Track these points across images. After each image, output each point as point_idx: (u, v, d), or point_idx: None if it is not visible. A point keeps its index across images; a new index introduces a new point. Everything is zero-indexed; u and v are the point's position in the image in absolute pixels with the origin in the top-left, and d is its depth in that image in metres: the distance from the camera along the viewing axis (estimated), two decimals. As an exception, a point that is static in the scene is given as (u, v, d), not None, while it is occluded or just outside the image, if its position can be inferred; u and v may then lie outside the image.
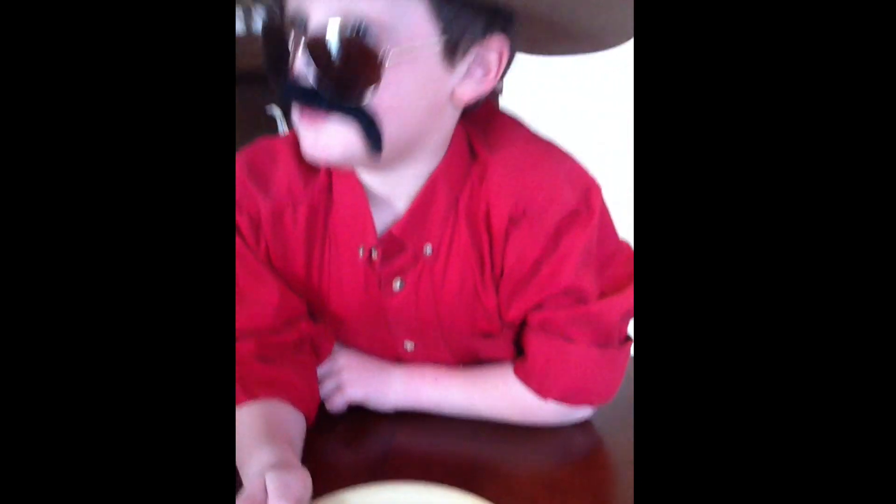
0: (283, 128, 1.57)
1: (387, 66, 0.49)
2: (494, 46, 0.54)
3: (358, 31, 0.48)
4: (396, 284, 0.62)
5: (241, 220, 0.61)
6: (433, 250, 0.60)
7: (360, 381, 0.67)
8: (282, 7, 0.53)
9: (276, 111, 1.58)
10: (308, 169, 0.60)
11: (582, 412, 0.66)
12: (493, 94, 1.01)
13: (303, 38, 0.50)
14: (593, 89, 1.33)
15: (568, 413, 0.65)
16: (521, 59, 0.59)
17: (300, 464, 0.54)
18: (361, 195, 0.60)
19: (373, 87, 0.50)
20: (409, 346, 0.67)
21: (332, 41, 0.49)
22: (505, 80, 0.99)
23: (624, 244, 0.64)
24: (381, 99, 0.50)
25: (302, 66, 0.50)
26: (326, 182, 0.61)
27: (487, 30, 0.53)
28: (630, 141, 0.38)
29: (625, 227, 0.61)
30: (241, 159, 0.62)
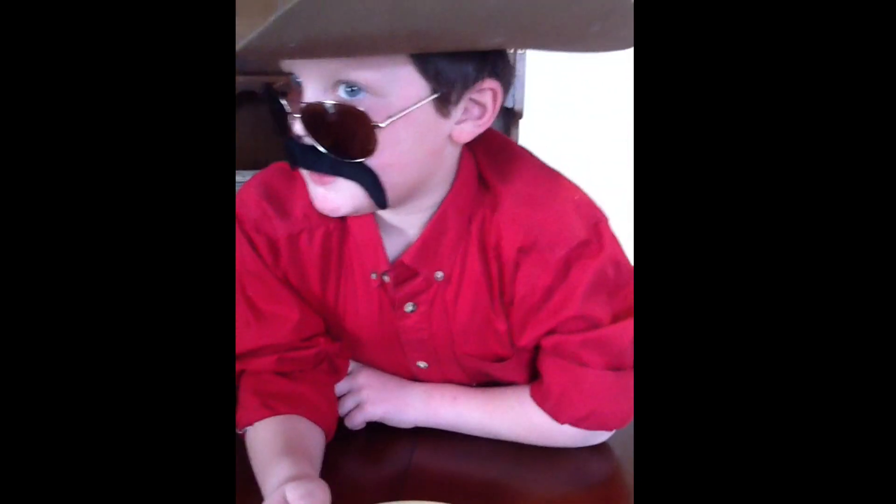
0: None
1: (382, 127, 0.50)
2: (487, 88, 0.54)
3: (351, 97, 0.50)
4: (409, 307, 0.63)
5: (260, 240, 0.62)
6: (445, 276, 0.61)
7: (380, 400, 0.68)
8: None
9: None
10: None
11: (600, 435, 0.66)
12: (515, 117, 1.03)
13: (299, 104, 0.51)
14: (594, 96, 1.33)
15: (585, 436, 0.65)
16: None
17: (318, 477, 0.54)
18: (372, 225, 0.61)
19: (370, 152, 0.50)
20: (422, 364, 0.68)
21: (326, 110, 0.50)
22: (525, 104, 1.00)
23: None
24: (381, 157, 0.51)
25: (300, 132, 0.51)
26: None
27: (478, 76, 0.53)
28: (630, 148, 0.38)
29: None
30: (259, 181, 0.63)
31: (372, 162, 0.51)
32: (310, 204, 0.60)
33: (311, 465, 0.56)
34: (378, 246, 0.61)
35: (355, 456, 0.65)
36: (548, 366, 0.63)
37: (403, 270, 0.61)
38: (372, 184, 0.52)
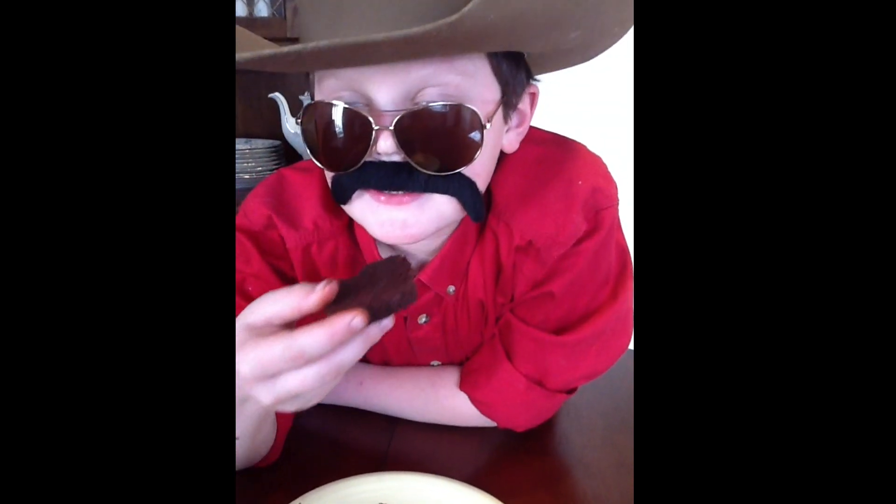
0: (285, 114, 1.55)
1: (488, 128, 0.47)
2: (529, 92, 0.53)
3: (446, 101, 0.46)
4: (422, 319, 0.63)
5: (267, 245, 0.60)
6: (455, 289, 0.61)
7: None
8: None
9: (280, 97, 1.56)
10: (331, 207, 0.59)
11: (485, 421, 0.65)
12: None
13: (383, 119, 0.46)
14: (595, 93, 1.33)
15: (476, 416, 0.65)
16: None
17: None
18: (372, 247, 0.59)
19: (472, 158, 0.48)
20: (435, 363, 0.68)
21: (432, 114, 0.46)
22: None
23: (612, 274, 0.61)
24: (473, 166, 0.48)
25: (388, 148, 0.46)
26: (349, 220, 0.59)
27: (526, 79, 0.52)
28: (625, 132, 0.38)
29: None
30: (265, 192, 0.61)
31: (468, 171, 0.49)
32: (319, 215, 0.59)
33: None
34: None
35: (339, 434, 0.65)
36: (486, 343, 0.64)
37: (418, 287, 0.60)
38: (471, 195, 0.50)
